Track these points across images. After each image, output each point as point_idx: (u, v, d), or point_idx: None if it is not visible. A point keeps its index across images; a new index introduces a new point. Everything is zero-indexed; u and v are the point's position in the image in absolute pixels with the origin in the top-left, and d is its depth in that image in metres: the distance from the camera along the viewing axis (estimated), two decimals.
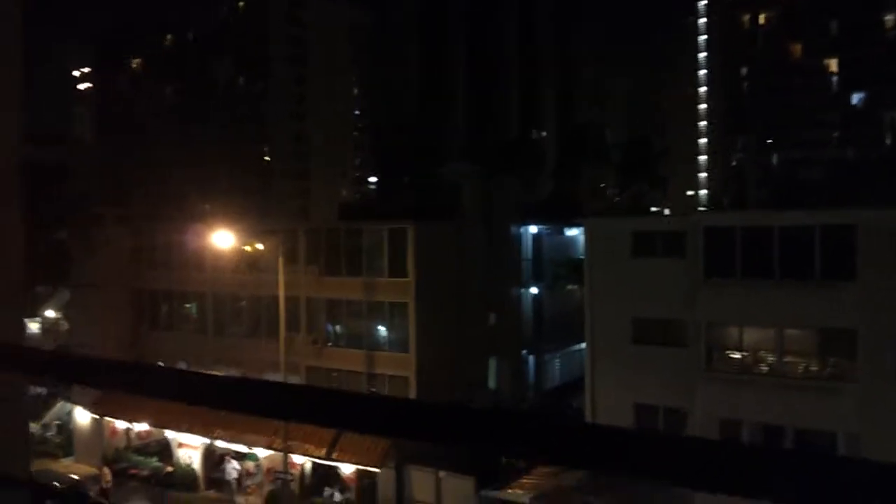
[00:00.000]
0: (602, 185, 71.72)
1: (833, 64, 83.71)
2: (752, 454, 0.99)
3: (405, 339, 32.03)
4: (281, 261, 30.26)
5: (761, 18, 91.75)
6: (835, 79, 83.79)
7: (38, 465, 35.96)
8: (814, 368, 23.19)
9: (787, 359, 23.76)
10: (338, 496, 30.03)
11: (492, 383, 35.80)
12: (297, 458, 29.71)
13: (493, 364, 35.95)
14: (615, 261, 26.99)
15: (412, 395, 31.28)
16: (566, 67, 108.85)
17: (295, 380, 33.30)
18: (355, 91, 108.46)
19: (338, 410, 1.33)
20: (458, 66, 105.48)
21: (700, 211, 54.92)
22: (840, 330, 22.68)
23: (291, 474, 29.53)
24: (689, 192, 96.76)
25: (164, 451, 35.38)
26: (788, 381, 23.12)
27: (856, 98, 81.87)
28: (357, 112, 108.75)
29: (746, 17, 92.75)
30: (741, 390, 23.56)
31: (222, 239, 31.95)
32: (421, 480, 27.57)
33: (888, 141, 78.31)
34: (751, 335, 24.67)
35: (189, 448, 34.04)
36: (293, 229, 36.14)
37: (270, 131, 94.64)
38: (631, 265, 26.67)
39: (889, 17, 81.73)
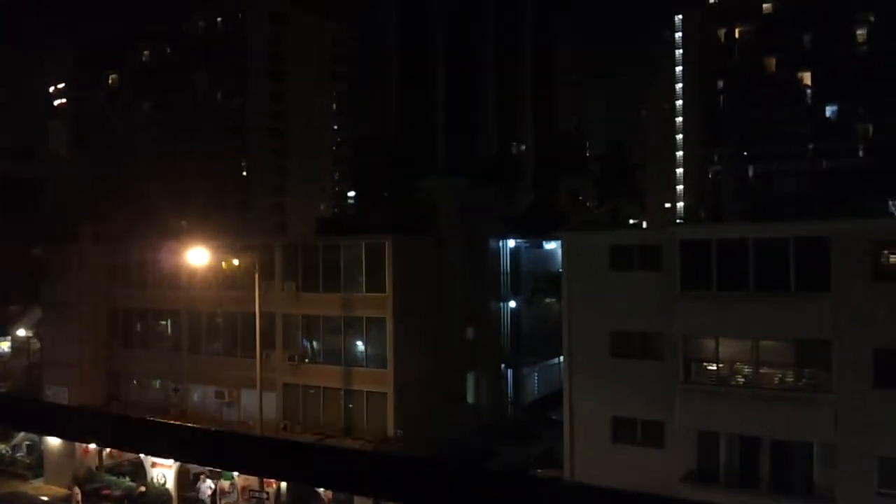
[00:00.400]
0: (581, 198, 71.92)
1: (807, 77, 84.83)
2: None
3: (383, 355, 31.79)
4: (257, 277, 29.99)
5: (736, 32, 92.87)
6: (809, 91, 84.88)
7: (6, 487, 35.31)
8: (789, 379, 23.22)
9: (763, 370, 23.78)
10: None
11: (470, 398, 35.64)
12: None
13: (471, 378, 35.80)
14: (593, 274, 26.96)
15: (390, 411, 31.05)
16: (546, 81, 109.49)
17: (271, 397, 32.95)
18: (334, 105, 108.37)
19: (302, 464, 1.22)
20: (437, 80, 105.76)
21: (676, 224, 55.17)
22: (815, 341, 22.74)
23: (267, 493, 29.15)
24: (667, 205, 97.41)
25: (138, 470, 34.86)
26: (764, 393, 23.11)
27: (829, 110, 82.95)
28: (336, 126, 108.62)
29: (722, 31, 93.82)
30: (718, 402, 23.56)
31: (198, 256, 31.63)
32: None
33: (860, 153, 79.32)
34: (727, 347, 24.67)
35: (162, 467, 33.56)
36: (270, 245, 35.89)
37: (248, 146, 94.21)
38: (608, 278, 26.64)
39: (860, 31, 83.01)
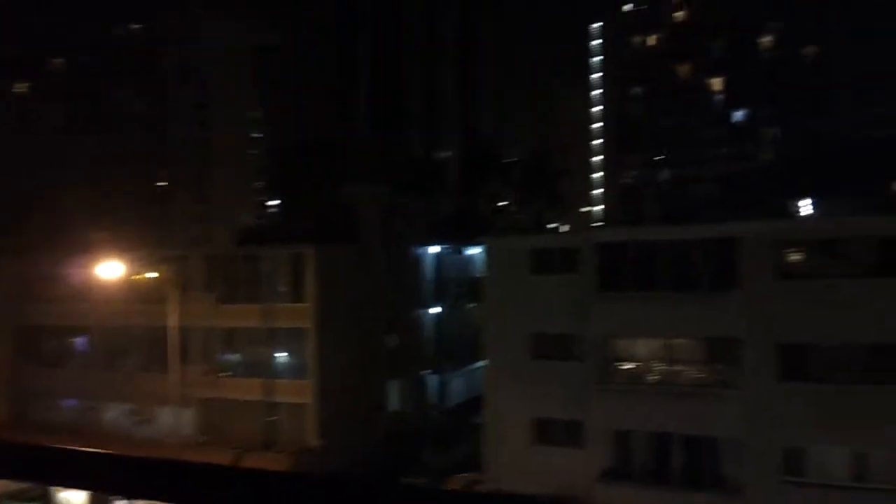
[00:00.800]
0: (503, 204, 72.74)
1: (717, 83, 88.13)
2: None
3: (305, 365, 31.39)
4: (174, 289, 29.21)
5: (651, 40, 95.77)
6: (719, 98, 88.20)
7: None
8: (701, 376, 24.01)
9: (677, 368, 24.52)
10: None
11: (394, 405, 35.53)
12: None
13: (394, 386, 35.70)
14: (514, 278, 27.27)
15: (312, 422, 30.66)
16: (470, 88, 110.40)
17: (188, 413, 32.10)
18: (258, 113, 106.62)
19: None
20: (361, 87, 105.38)
21: (593, 227, 56.35)
22: (724, 339, 23.58)
23: None
24: (586, 209, 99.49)
25: (44, 495, 33.32)
26: (677, 390, 23.84)
27: (737, 116, 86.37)
28: (260, 135, 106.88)
29: (637, 39, 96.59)
30: (632, 401, 24.15)
31: (112, 268, 30.57)
32: None
33: (768, 156, 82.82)
34: (642, 347, 25.35)
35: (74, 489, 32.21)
36: (188, 256, 35.00)
37: (168, 155, 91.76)
38: (529, 282, 27.00)
39: (766, 39, 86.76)
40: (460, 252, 40.43)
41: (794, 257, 24.04)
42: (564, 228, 62.39)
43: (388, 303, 34.93)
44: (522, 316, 26.56)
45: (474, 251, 39.28)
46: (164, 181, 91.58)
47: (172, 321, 28.40)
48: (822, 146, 56.31)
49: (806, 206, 36.87)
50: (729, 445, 23.08)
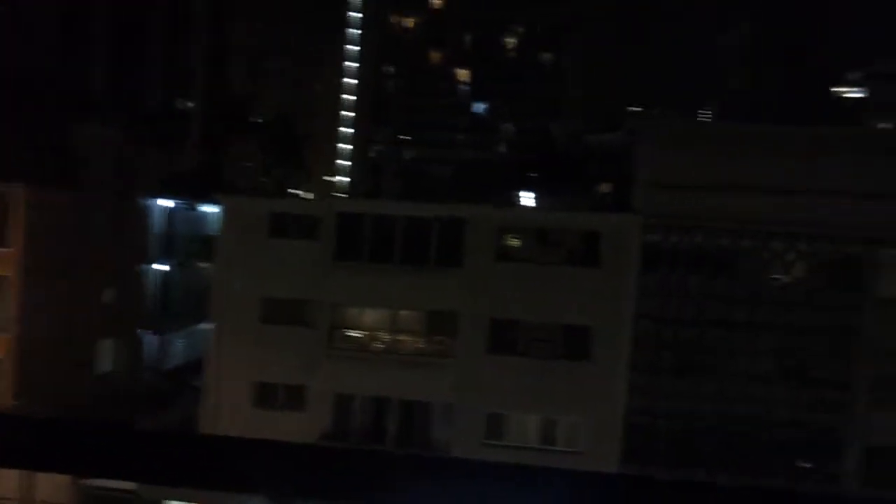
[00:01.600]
0: (249, 164, 70.82)
1: (465, 74, 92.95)
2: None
3: (5, 319, 28.24)
4: None
5: (409, 22, 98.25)
6: (466, 88, 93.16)
7: None
8: (421, 346, 25.57)
9: (401, 338, 25.87)
10: None
11: (107, 365, 33.30)
12: None
13: (109, 344, 33.44)
14: (250, 241, 26.80)
15: (8, 379, 27.81)
16: (222, 41, 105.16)
17: None
18: None
19: None
20: (100, 17, 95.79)
21: (336, 197, 57.02)
22: (445, 312, 25.33)
23: None
24: (333, 178, 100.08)
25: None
26: (400, 358, 25.21)
27: (479, 108, 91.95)
28: None
29: (397, 20, 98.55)
30: (358, 367, 25.09)
31: None
32: None
33: (502, 149, 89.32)
34: (372, 316, 26.36)
35: None
36: None
37: None
38: (266, 246, 26.71)
39: (510, 39, 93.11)
40: (195, 209, 38.72)
41: (513, 242, 26.40)
42: (308, 195, 62.23)
43: (108, 256, 32.50)
44: (256, 279, 26.25)
45: (211, 209, 37.85)
46: None
47: None
48: (549, 145, 62.16)
49: (529, 198, 40.38)
50: (441, 410, 24.90)
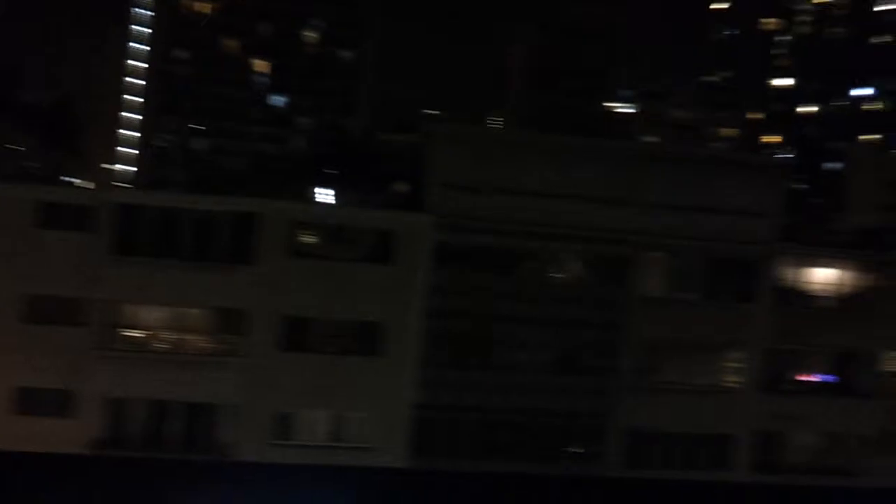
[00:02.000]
0: (20, 149, 64.39)
1: (263, 66, 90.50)
2: None
3: None
4: None
5: (206, 7, 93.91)
6: (263, 80, 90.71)
7: None
8: (207, 345, 24.59)
9: (186, 336, 24.69)
10: None
11: None
12: None
13: None
14: (13, 232, 24.32)
15: None
16: None
17: None
18: None
19: None
20: None
21: (116, 186, 53.40)
22: (234, 310, 24.54)
23: None
24: (115, 167, 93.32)
25: None
26: (184, 358, 24.07)
27: (278, 101, 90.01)
28: None
29: (192, 3, 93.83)
30: (136, 368, 23.70)
31: None
32: None
33: (299, 143, 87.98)
34: (154, 314, 24.95)
35: None
36: None
37: None
38: (32, 237, 24.38)
39: (310, 34, 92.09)
40: None
41: (308, 239, 26.15)
42: (86, 184, 57.54)
43: None
44: (17, 274, 23.84)
45: None
46: None
47: None
48: (346, 142, 61.98)
49: (325, 195, 40.13)
50: (227, 411, 24.12)
